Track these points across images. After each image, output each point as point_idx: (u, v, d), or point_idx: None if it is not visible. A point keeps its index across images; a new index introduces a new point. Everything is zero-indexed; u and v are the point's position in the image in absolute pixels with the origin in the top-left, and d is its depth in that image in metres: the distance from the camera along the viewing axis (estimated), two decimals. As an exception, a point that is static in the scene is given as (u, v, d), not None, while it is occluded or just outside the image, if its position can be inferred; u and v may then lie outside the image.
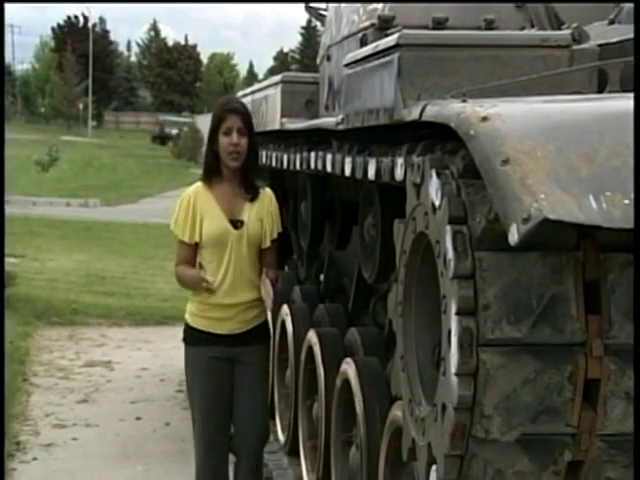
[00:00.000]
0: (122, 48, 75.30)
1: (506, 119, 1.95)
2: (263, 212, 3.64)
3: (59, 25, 66.42)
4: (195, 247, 3.65)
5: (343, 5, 4.55)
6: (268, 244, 3.67)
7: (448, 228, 2.07)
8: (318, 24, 6.83)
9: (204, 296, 3.61)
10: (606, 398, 2.06)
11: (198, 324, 3.66)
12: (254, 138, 3.61)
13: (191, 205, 3.61)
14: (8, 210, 9.48)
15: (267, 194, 3.69)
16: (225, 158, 3.55)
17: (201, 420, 3.68)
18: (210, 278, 3.55)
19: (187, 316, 3.72)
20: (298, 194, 5.02)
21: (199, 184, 3.68)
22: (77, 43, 60.85)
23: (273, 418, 5.07)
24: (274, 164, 4.93)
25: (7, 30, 58.38)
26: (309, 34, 65.49)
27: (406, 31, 2.78)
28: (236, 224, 3.58)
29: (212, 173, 3.63)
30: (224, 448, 3.72)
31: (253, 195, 3.62)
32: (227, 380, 3.65)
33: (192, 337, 3.68)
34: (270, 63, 70.75)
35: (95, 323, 9.08)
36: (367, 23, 3.89)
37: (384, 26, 3.70)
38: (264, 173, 4.07)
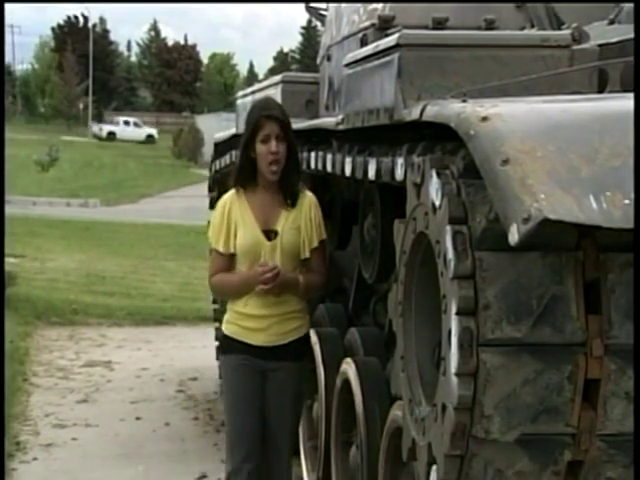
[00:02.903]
0: (122, 48, 75.26)
1: (506, 119, 1.96)
2: (301, 220, 3.40)
3: (59, 25, 66.33)
4: (231, 257, 3.44)
5: (343, 5, 4.55)
6: (307, 254, 3.42)
7: (448, 228, 2.07)
8: (318, 24, 6.83)
9: (239, 305, 3.44)
10: (606, 398, 2.06)
11: (232, 332, 3.48)
12: (293, 143, 3.40)
13: (226, 213, 3.42)
14: (8, 210, 9.48)
15: (307, 199, 3.45)
16: (264, 168, 3.35)
17: (231, 431, 3.51)
18: (269, 264, 3.31)
19: (223, 325, 3.57)
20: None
21: (234, 190, 3.47)
22: (77, 43, 60.75)
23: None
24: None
25: (7, 30, 58.39)
26: (309, 34, 65.45)
27: (406, 31, 2.78)
28: (269, 235, 3.38)
29: (246, 180, 3.42)
30: (254, 462, 3.45)
31: (291, 202, 3.41)
32: (258, 392, 3.44)
33: (226, 346, 3.53)
34: (270, 63, 70.75)
35: (95, 323, 9.09)
36: (367, 23, 3.89)
37: (384, 26, 3.69)
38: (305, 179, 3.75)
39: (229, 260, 3.45)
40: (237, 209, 3.42)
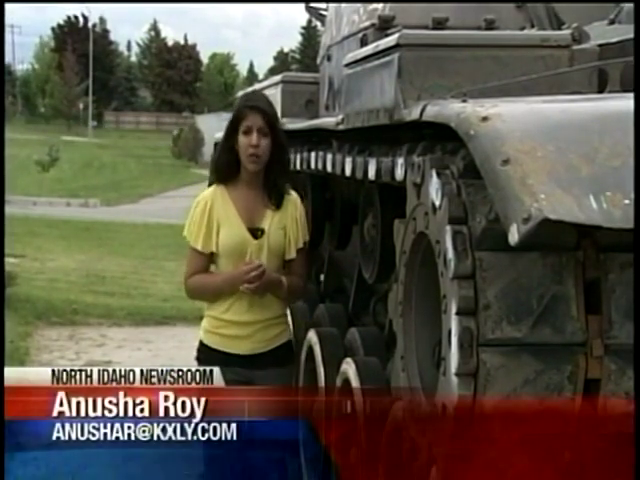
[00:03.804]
0: (122, 48, 75.37)
1: (506, 119, 1.96)
2: (287, 219, 3.28)
3: (59, 25, 66.41)
4: (210, 257, 3.29)
5: (343, 5, 4.55)
6: (293, 254, 3.30)
7: (448, 228, 2.07)
8: (318, 24, 6.84)
9: (219, 311, 3.28)
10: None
11: (212, 342, 3.31)
12: (280, 138, 3.25)
13: (207, 210, 3.26)
14: (8, 210, 9.47)
15: (292, 198, 3.33)
16: (244, 160, 3.21)
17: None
18: (255, 262, 3.16)
19: (201, 332, 3.38)
20: (298, 194, 5.02)
21: (215, 187, 3.33)
22: (77, 43, 60.83)
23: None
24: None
25: (7, 30, 58.43)
26: (309, 34, 65.48)
27: (406, 31, 2.78)
28: (256, 233, 3.24)
29: (229, 174, 3.28)
30: None
31: (277, 202, 3.27)
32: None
33: (205, 357, 3.30)
34: (270, 63, 70.78)
35: (95, 323, 9.08)
36: (367, 23, 3.90)
37: (384, 26, 3.70)
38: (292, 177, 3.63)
39: (208, 260, 3.29)
40: (219, 206, 3.27)
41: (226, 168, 3.30)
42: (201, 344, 3.38)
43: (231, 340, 3.28)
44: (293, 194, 3.37)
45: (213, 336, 3.32)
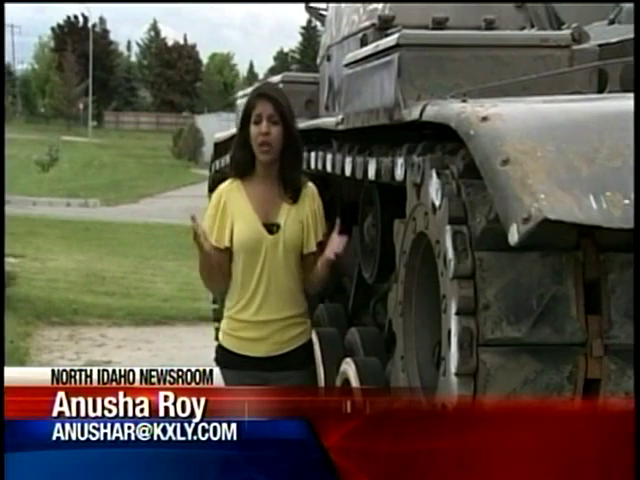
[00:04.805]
0: (122, 48, 75.32)
1: (506, 119, 1.96)
2: (304, 212, 3.18)
3: (59, 25, 66.42)
4: (226, 252, 3.18)
5: (343, 5, 4.55)
6: (313, 248, 3.18)
7: (448, 228, 2.07)
8: (318, 24, 6.84)
9: (234, 311, 3.21)
10: (606, 398, 2.06)
11: (229, 344, 3.26)
12: (292, 127, 3.14)
13: (222, 204, 3.18)
14: (8, 210, 9.48)
15: (309, 190, 3.22)
16: (256, 151, 3.12)
17: None
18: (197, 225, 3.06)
19: (219, 334, 3.33)
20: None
21: (231, 181, 3.24)
22: (77, 43, 60.85)
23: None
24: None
25: (7, 30, 58.41)
26: (309, 34, 65.46)
27: (406, 31, 2.78)
28: (271, 228, 3.15)
29: (245, 169, 3.20)
30: None
31: (293, 194, 3.17)
32: None
33: (224, 359, 3.26)
34: (270, 63, 70.78)
35: (95, 323, 9.08)
36: (367, 23, 3.89)
37: (384, 26, 3.69)
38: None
39: (223, 254, 3.20)
40: (235, 200, 3.19)
41: (242, 163, 3.21)
42: (219, 346, 3.34)
43: (248, 343, 3.22)
44: (310, 186, 3.27)
45: (230, 339, 3.27)
